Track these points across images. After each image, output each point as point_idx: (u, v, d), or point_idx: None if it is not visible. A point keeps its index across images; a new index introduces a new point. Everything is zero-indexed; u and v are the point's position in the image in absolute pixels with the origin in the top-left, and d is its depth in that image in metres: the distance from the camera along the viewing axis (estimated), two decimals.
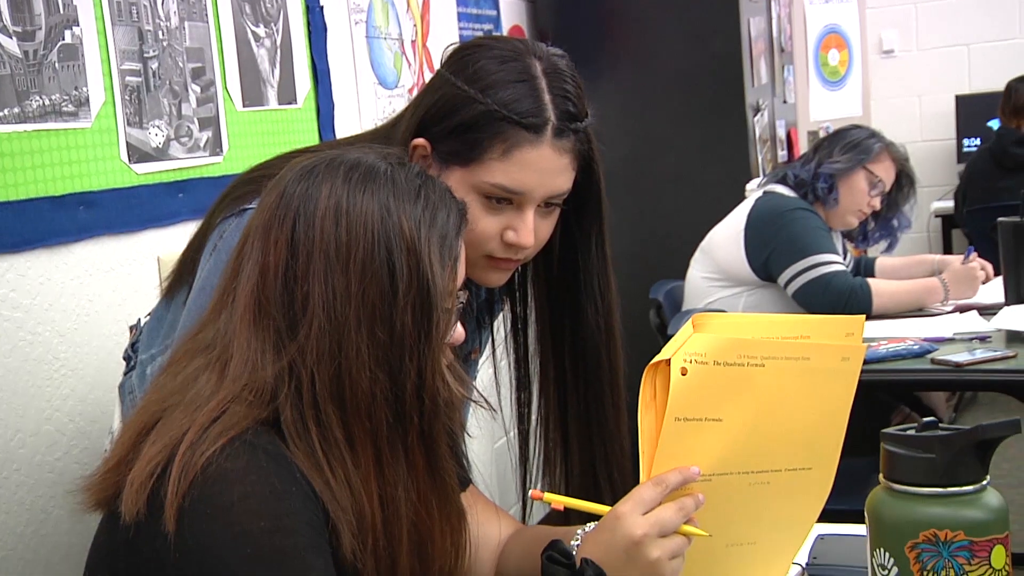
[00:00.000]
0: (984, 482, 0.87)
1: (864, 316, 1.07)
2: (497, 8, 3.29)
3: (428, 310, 0.94)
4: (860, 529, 1.29)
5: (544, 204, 1.23)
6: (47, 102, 1.59)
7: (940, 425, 0.86)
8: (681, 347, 0.99)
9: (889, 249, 2.95)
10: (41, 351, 1.60)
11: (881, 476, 0.89)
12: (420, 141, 1.23)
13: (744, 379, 0.98)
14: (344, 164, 0.98)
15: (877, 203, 2.74)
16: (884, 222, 2.82)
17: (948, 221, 4.86)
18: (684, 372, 0.97)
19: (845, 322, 1.04)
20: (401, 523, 0.95)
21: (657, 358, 0.99)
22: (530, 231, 1.22)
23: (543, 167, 1.20)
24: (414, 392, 0.94)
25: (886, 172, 2.74)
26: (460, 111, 1.20)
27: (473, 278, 1.30)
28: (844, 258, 2.84)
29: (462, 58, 1.23)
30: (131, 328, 1.55)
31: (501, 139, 1.18)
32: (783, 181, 2.74)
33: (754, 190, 2.82)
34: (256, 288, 0.94)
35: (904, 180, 2.79)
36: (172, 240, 1.85)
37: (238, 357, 0.93)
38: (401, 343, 0.93)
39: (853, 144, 2.72)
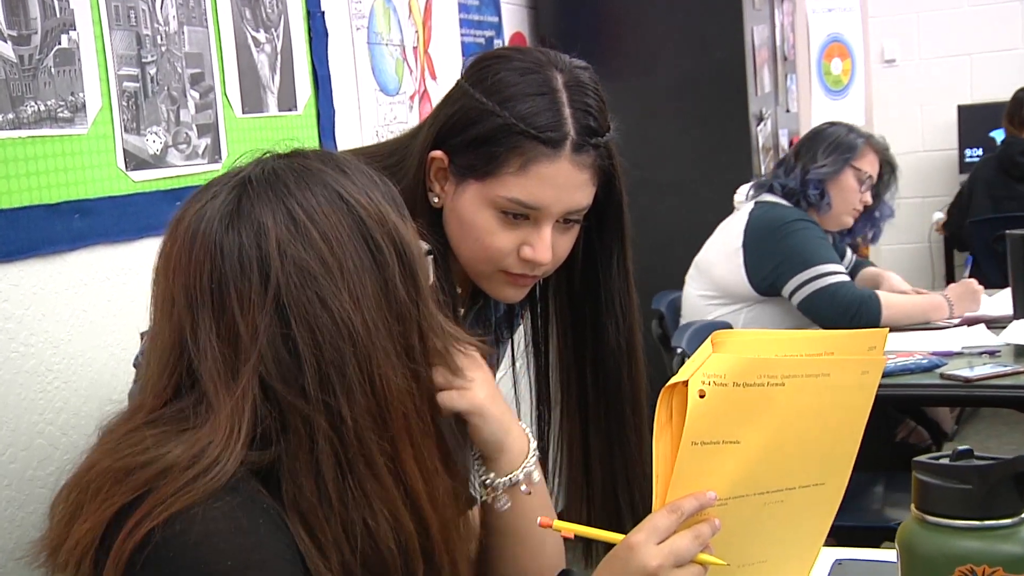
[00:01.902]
0: (1023, 515, 0.83)
1: (888, 329, 1.04)
2: (499, 15, 3.26)
3: (413, 272, 0.91)
4: (877, 554, 1.26)
5: (563, 220, 1.21)
6: (42, 108, 1.55)
7: (976, 455, 0.83)
8: (699, 368, 0.95)
9: (873, 240, 2.92)
10: (34, 363, 1.56)
11: (913, 507, 0.86)
12: (437, 153, 1.21)
13: (764, 399, 0.95)
14: (261, 183, 0.90)
15: (868, 198, 2.72)
16: (867, 213, 2.78)
17: (947, 233, 4.84)
18: (702, 394, 0.93)
19: (868, 336, 1.01)
20: (448, 513, 0.92)
21: (674, 379, 0.95)
22: (547, 247, 1.19)
23: (561, 182, 1.17)
24: (423, 359, 0.91)
25: (871, 165, 2.71)
26: (478, 124, 1.17)
27: (489, 293, 1.27)
28: (843, 260, 2.82)
29: (482, 69, 1.20)
30: (142, 335, 1.52)
31: (518, 153, 1.16)
32: (770, 191, 2.70)
33: (742, 202, 2.78)
34: (224, 359, 0.86)
35: (885, 169, 2.75)
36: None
37: (223, 426, 0.86)
38: (406, 320, 0.90)
39: (835, 144, 2.68)
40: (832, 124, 2.78)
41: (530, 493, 1.06)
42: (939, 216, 4.83)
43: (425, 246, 0.97)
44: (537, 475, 1.06)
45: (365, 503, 0.86)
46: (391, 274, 0.89)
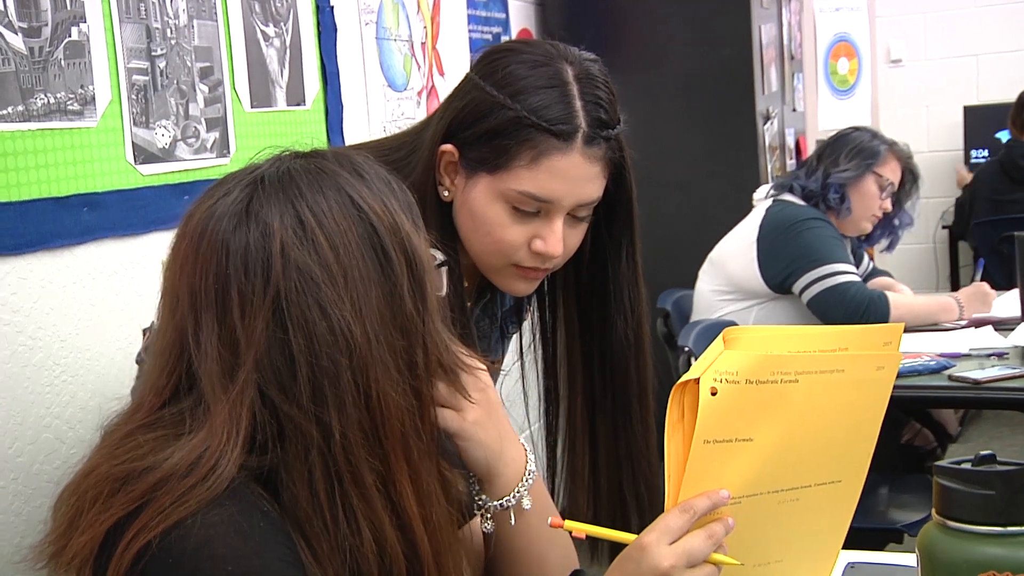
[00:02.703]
0: None
1: (903, 325, 1.02)
2: (506, 11, 3.25)
3: (421, 286, 0.88)
4: (891, 557, 1.25)
5: (573, 213, 1.20)
6: (52, 100, 1.54)
7: (999, 459, 0.82)
8: (711, 366, 0.94)
9: (890, 248, 2.91)
10: (41, 356, 1.55)
11: (934, 512, 0.84)
12: (448, 147, 1.20)
13: (777, 396, 0.94)
14: (273, 183, 0.87)
15: (888, 205, 2.71)
16: (886, 220, 2.77)
17: (955, 233, 4.82)
18: (714, 392, 0.92)
19: (883, 331, 1.00)
20: (444, 538, 0.89)
21: (685, 377, 0.94)
22: (558, 240, 1.19)
23: (572, 175, 1.16)
24: (426, 376, 0.88)
25: (893, 173, 2.70)
26: (489, 117, 1.16)
27: (500, 287, 1.27)
28: (859, 265, 2.81)
29: (492, 62, 1.20)
30: (144, 331, 1.51)
31: (530, 146, 1.15)
32: (790, 192, 2.70)
33: (761, 199, 2.77)
34: (223, 362, 0.84)
35: (907, 177, 2.74)
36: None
37: (220, 431, 0.83)
38: (411, 334, 0.87)
39: (858, 149, 2.67)
40: (856, 129, 2.77)
41: (513, 523, 1.03)
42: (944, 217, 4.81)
43: (439, 257, 0.95)
44: (527, 503, 1.04)
45: (353, 520, 0.84)
46: (399, 286, 0.86)
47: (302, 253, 0.84)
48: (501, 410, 1.03)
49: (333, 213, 0.86)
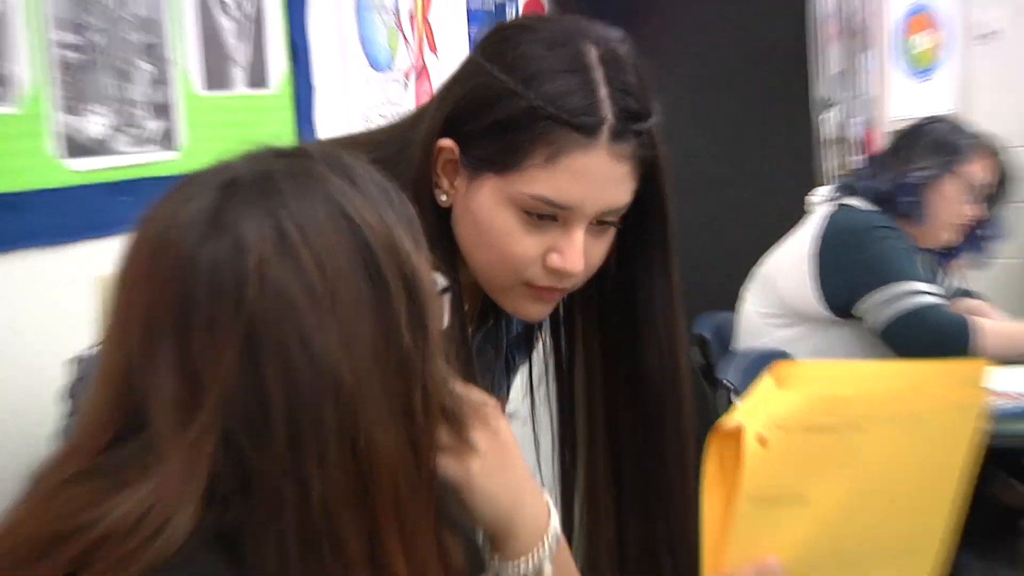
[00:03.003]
0: None
1: (986, 361, 1.04)
2: None
3: (422, 316, 0.89)
4: None
5: (597, 221, 1.21)
6: None
7: None
8: (758, 408, 0.96)
9: (977, 264, 2.92)
10: None
11: None
12: (446, 142, 1.21)
13: (839, 447, 0.96)
14: (249, 186, 0.87)
15: (974, 211, 2.71)
16: (971, 230, 2.78)
17: None
18: (763, 442, 0.94)
19: (967, 367, 1.02)
20: None
21: (727, 422, 0.96)
22: (579, 254, 1.20)
23: (596, 177, 1.18)
24: (424, 423, 0.89)
25: (980, 172, 2.71)
26: (496, 106, 1.18)
27: (507, 309, 1.28)
28: (935, 282, 2.81)
29: (501, 41, 1.21)
30: (72, 362, 1.51)
31: (545, 142, 1.16)
32: (855, 194, 2.71)
33: (820, 204, 2.78)
34: (180, 400, 0.84)
35: (998, 178, 2.76)
36: (114, 255, 1.81)
37: (172, 483, 0.83)
38: (409, 373, 0.87)
39: (937, 144, 2.70)
40: (936, 119, 2.79)
41: None
42: None
43: (441, 282, 0.95)
44: (549, 570, 1.03)
45: None
46: (396, 315, 0.87)
47: (283, 273, 0.84)
48: (517, 456, 1.03)
49: (320, 226, 0.86)
